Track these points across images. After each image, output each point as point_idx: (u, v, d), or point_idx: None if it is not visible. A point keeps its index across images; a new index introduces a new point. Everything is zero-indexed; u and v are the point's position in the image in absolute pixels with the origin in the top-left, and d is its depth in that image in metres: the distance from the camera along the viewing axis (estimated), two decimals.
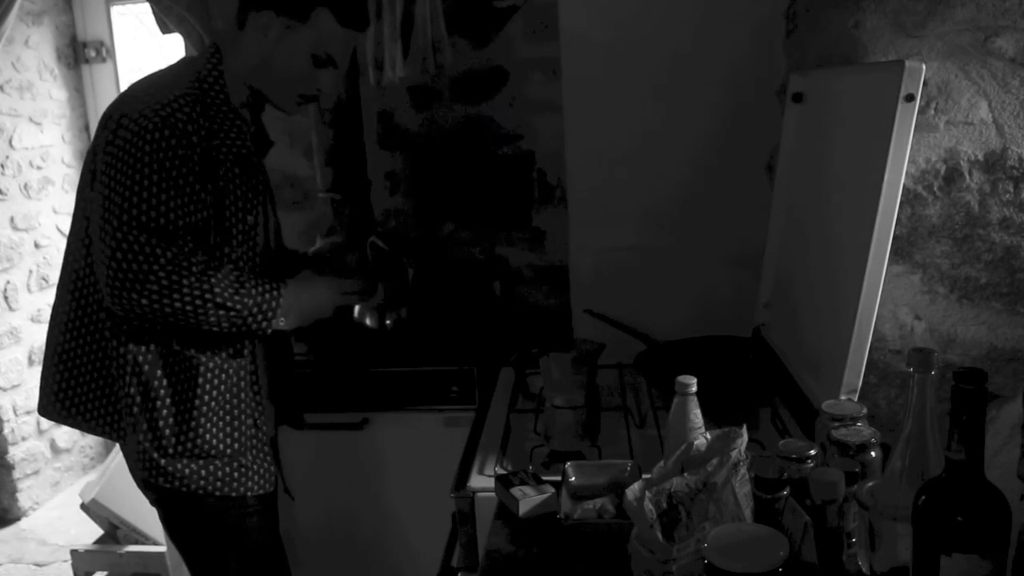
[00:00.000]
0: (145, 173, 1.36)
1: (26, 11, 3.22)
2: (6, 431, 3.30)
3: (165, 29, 2.73)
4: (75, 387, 1.56)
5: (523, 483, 1.36)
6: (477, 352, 2.32)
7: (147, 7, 2.73)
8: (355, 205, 2.50)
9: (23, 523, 3.35)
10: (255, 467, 1.58)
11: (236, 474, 1.55)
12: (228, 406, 1.53)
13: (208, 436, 1.51)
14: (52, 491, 3.53)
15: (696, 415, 1.32)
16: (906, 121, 1.25)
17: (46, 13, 3.36)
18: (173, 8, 2.62)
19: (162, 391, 1.49)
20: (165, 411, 1.49)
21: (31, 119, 3.36)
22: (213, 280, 1.40)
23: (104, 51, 3.47)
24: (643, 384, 1.84)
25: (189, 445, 1.50)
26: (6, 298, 3.30)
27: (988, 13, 1.27)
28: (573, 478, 1.36)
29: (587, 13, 2.11)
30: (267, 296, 1.46)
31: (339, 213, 2.48)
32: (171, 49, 3.30)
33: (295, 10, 1.48)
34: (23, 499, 3.39)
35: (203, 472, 1.52)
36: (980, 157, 1.32)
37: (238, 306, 1.42)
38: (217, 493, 1.53)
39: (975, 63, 1.29)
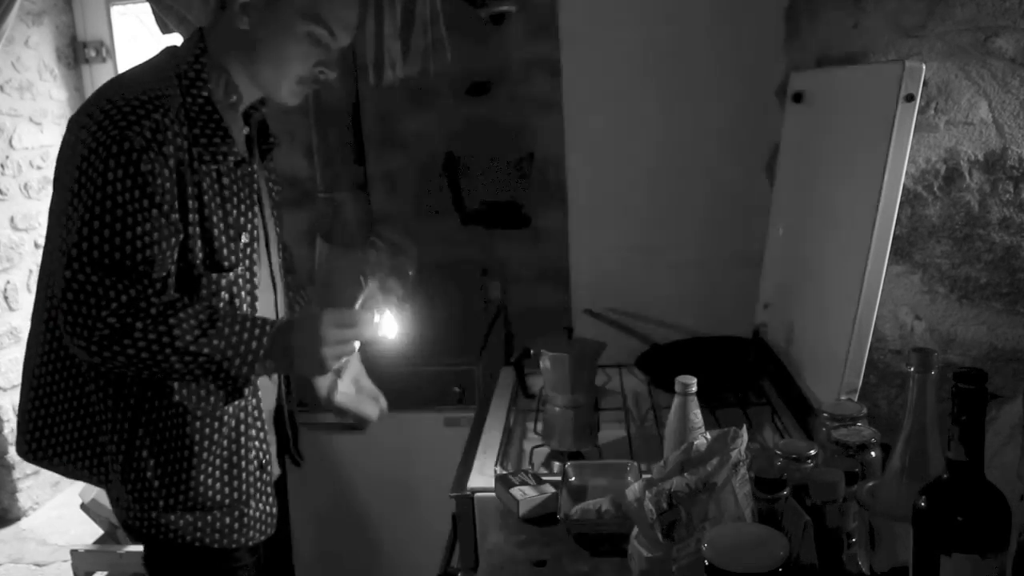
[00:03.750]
0: (97, 199, 1.18)
1: (26, 11, 3.22)
2: (6, 431, 3.29)
3: (165, 29, 2.74)
4: (51, 426, 1.37)
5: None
6: (477, 352, 2.33)
7: (147, 7, 2.73)
8: (355, 205, 2.50)
9: (23, 523, 3.34)
10: (257, 515, 1.40)
11: (236, 524, 1.37)
12: (227, 453, 1.35)
13: (203, 488, 1.33)
14: (52, 491, 3.53)
15: (696, 415, 1.31)
16: (906, 121, 1.25)
17: (46, 13, 3.35)
18: (173, 8, 2.62)
19: (146, 447, 1.31)
20: (152, 461, 1.31)
21: (31, 119, 3.36)
22: (172, 322, 1.21)
23: (104, 51, 3.47)
24: (643, 384, 1.83)
25: (182, 498, 1.33)
26: (6, 298, 3.30)
27: (988, 13, 1.27)
28: (573, 478, 1.36)
29: (587, 13, 2.11)
30: (244, 336, 1.25)
31: (339, 213, 2.48)
32: None
33: None
34: (23, 499, 3.39)
35: (199, 523, 1.34)
36: (980, 157, 1.31)
37: (205, 350, 1.22)
38: (215, 546, 1.36)
39: (975, 63, 1.29)
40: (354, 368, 1.57)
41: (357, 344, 1.33)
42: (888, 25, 1.45)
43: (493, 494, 1.40)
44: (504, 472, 1.45)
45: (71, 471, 1.39)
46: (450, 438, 1.85)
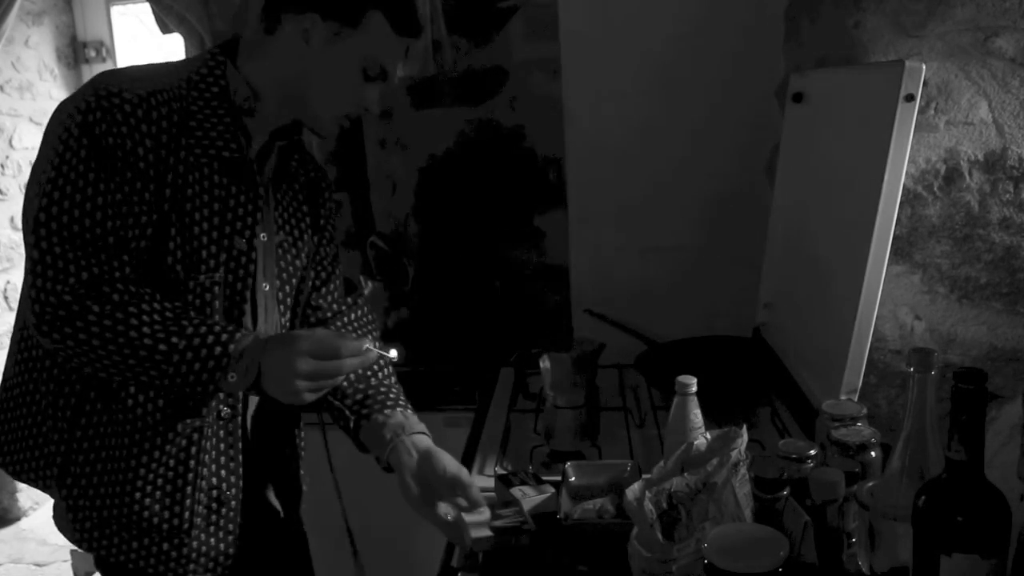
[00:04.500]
0: (72, 163, 1.13)
1: (26, 11, 3.22)
2: None
3: (165, 29, 2.74)
4: (8, 421, 1.30)
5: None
6: (477, 352, 2.33)
7: (147, 7, 2.73)
8: (355, 205, 2.50)
9: (23, 523, 3.34)
10: (203, 550, 1.29)
11: (175, 553, 1.26)
12: (172, 474, 1.25)
13: (138, 507, 1.24)
14: None
15: (696, 415, 1.32)
16: (906, 121, 1.25)
17: (46, 13, 3.35)
18: (173, 8, 2.63)
19: (83, 451, 1.23)
20: (89, 468, 1.23)
21: (31, 119, 3.36)
22: (132, 310, 1.12)
23: (104, 51, 3.47)
24: (643, 384, 1.83)
25: (116, 512, 1.24)
26: (6, 298, 3.30)
27: (988, 13, 1.27)
28: (573, 478, 1.36)
29: (587, 13, 2.11)
30: (208, 339, 1.14)
31: (339, 213, 2.48)
32: (171, 49, 3.30)
33: (346, 14, 1.20)
34: (23, 499, 3.39)
35: (134, 544, 1.25)
36: (980, 157, 1.31)
37: (161, 347, 1.12)
38: (150, 571, 1.26)
39: (975, 63, 1.29)
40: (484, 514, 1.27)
41: (340, 377, 1.22)
42: (888, 25, 1.45)
43: (493, 494, 1.40)
44: (504, 472, 1.45)
45: (19, 472, 1.30)
46: (450, 438, 1.85)
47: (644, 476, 1.21)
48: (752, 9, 2.03)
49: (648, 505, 1.06)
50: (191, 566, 1.28)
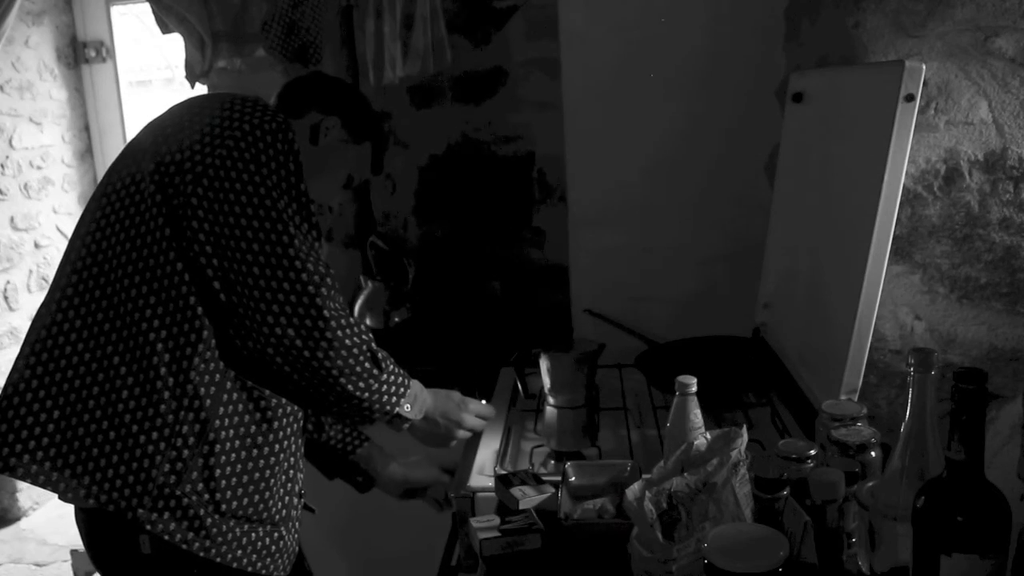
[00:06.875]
0: (282, 161, 1.23)
1: (26, 11, 3.22)
2: None
3: (165, 29, 2.74)
4: (33, 426, 1.23)
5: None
6: (477, 352, 2.33)
7: (147, 7, 2.73)
8: (355, 205, 2.50)
9: (23, 523, 3.34)
10: (288, 542, 1.37)
11: (273, 547, 1.33)
12: (285, 465, 1.34)
13: (269, 495, 1.30)
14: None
15: (696, 415, 1.32)
16: (906, 121, 1.25)
17: (46, 13, 3.35)
18: (173, 8, 2.63)
19: (222, 433, 1.24)
20: (224, 457, 1.25)
21: (31, 119, 3.36)
22: (370, 335, 1.26)
23: (104, 51, 3.47)
24: (643, 384, 1.83)
25: (246, 502, 1.27)
26: (6, 298, 3.30)
27: (988, 13, 1.27)
28: (573, 478, 1.36)
29: (587, 13, 2.11)
30: (397, 370, 1.32)
31: (340, 213, 2.48)
32: (171, 49, 3.31)
33: (357, 130, 1.49)
34: (23, 499, 3.39)
35: (243, 540, 1.28)
36: (980, 157, 1.31)
37: (385, 364, 1.28)
38: (249, 569, 1.29)
39: (975, 63, 1.29)
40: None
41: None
42: (888, 25, 1.45)
43: (493, 494, 1.40)
44: (504, 472, 1.45)
45: (30, 472, 1.23)
46: None
47: (644, 476, 1.21)
48: (752, 9, 2.03)
49: (648, 505, 1.06)
50: (280, 561, 1.36)
